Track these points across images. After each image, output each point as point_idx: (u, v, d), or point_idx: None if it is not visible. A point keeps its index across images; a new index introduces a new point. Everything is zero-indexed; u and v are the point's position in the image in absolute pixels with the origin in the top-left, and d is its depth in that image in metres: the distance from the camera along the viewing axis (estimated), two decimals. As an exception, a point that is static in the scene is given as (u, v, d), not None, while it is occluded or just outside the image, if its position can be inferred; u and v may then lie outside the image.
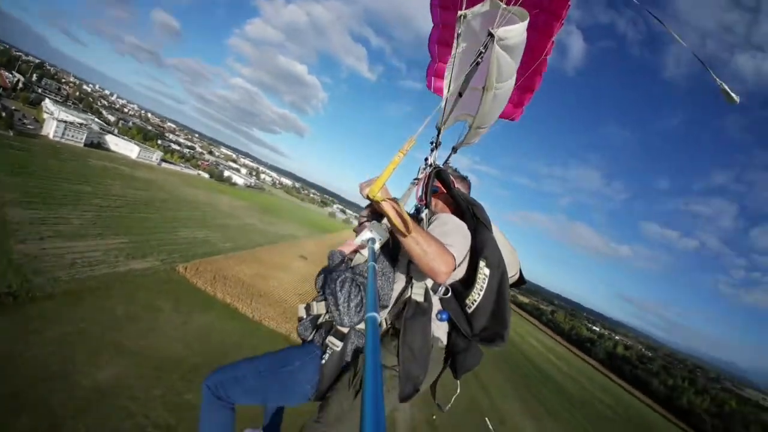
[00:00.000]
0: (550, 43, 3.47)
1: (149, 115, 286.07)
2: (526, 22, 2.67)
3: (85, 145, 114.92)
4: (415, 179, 3.04)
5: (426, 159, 3.15)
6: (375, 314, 1.19)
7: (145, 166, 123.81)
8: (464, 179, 3.39)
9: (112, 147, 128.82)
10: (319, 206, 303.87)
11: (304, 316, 2.76)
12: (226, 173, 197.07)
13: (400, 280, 2.67)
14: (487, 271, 2.45)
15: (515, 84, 3.08)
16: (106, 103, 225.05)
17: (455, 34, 2.98)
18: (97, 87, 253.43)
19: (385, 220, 2.73)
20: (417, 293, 2.53)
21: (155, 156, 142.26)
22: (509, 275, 2.63)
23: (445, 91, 3.17)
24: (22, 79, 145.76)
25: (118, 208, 68.06)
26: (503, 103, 3.21)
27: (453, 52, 3.06)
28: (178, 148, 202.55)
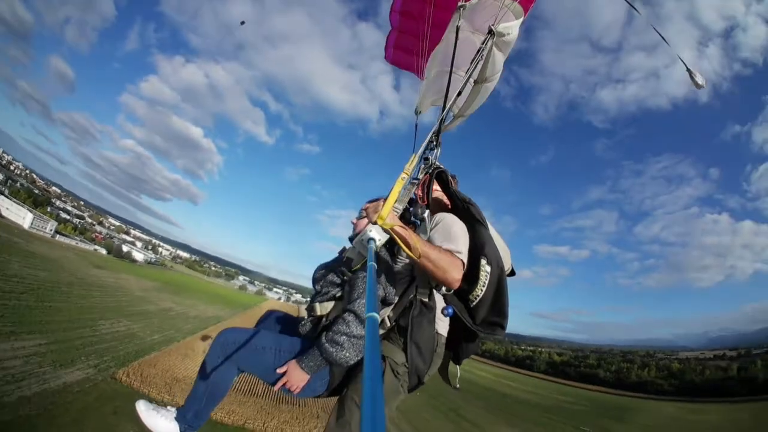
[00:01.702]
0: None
1: (34, 176, 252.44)
2: (522, 20, 2.94)
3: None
4: (414, 179, 3.06)
5: (426, 159, 3.25)
6: (375, 314, 1.18)
7: (39, 238, 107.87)
8: (454, 177, 3.36)
9: (3, 211, 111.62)
10: (226, 280, 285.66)
11: (306, 317, 2.82)
12: (125, 248, 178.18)
13: (403, 280, 2.81)
14: (488, 268, 2.60)
15: None
16: None
17: (454, 26, 3.15)
18: None
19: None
20: (422, 293, 2.68)
21: (49, 226, 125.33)
22: (505, 269, 2.78)
23: (426, 74, 3.60)
24: None
25: (22, 294, 55.17)
26: (489, 92, 3.40)
27: (444, 41, 3.30)
28: (67, 217, 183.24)
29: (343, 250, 3.12)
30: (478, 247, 2.69)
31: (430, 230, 2.80)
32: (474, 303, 2.65)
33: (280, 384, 2.63)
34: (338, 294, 2.81)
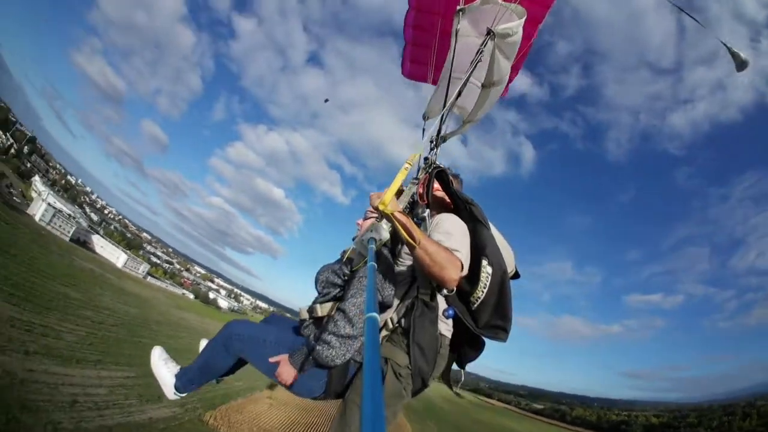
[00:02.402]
0: (536, 29, 3.75)
1: (127, 221, 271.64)
2: (523, 20, 2.95)
3: (71, 240, 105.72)
4: (414, 178, 3.10)
5: (426, 158, 3.25)
6: (374, 314, 1.17)
7: (131, 277, 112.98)
8: (457, 177, 3.36)
9: (98, 249, 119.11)
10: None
11: (307, 318, 2.80)
12: (211, 295, 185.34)
13: (404, 281, 2.77)
14: (489, 269, 2.57)
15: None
16: (88, 200, 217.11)
17: (455, 30, 3.24)
18: (80, 182, 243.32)
19: (384, 222, 2.66)
20: (423, 293, 2.62)
21: (142, 268, 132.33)
22: (508, 271, 2.76)
23: (446, 86, 3.39)
24: (15, 146, 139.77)
25: (113, 327, 57.53)
26: (498, 97, 3.49)
27: (451, 48, 3.25)
28: (158, 261, 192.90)
29: (345, 251, 3.02)
30: (480, 248, 2.66)
31: (430, 229, 2.75)
32: (475, 305, 2.61)
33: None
34: (339, 294, 2.75)
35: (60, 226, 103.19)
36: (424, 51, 4.10)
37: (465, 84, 3.24)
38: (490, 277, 2.56)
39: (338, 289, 2.78)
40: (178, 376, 3.09)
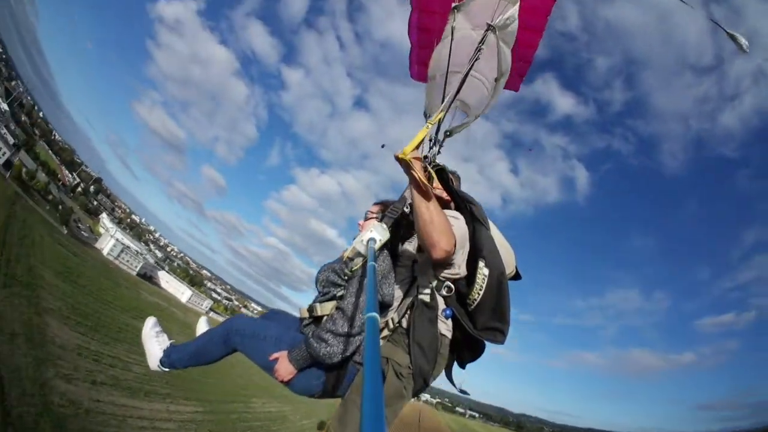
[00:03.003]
0: (546, 19, 3.70)
1: (188, 259, 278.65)
2: (517, 6, 3.03)
3: (138, 274, 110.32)
4: None
5: (425, 157, 3.21)
6: (374, 314, 1.18)
7: (195, 312, 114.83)
8: (453, 174, 3.29)
9: (163, 284, 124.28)
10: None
11: (307, 317, 2.84)
12: None
13: (405, 281, 2.80)
14: (486, 271, 2.55)
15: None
16: (152, 237, 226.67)
17: (449, 27, 3.33)
18: (143, 220, 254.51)
19: (384, 222, 2.72)
20: (424, 293, 2.64)
21: (205, 303, 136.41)
22: (507, 272, 2.73)
23: (444, 82, 3.51)
24: (82, 185, 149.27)
25: None
26: (502, 88, 3.59)
27: (449, 44, 3.34)
28: (218, 297, 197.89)
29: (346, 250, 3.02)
30: (477, 248, 2.65)
31: None
32: (472, 307, 2.61)
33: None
34: (339, 294, 2.77)
35: (127, 261, 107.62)
36: (429, 52, 4.00)
37: (465, 77, 3.21)
38: (486, 279, 2.54)
39: (338, 289, 2.78)
40: (166, 353, 3.14)
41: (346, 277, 2.75)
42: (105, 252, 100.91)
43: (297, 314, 3.13)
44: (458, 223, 2.72)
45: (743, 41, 2.96)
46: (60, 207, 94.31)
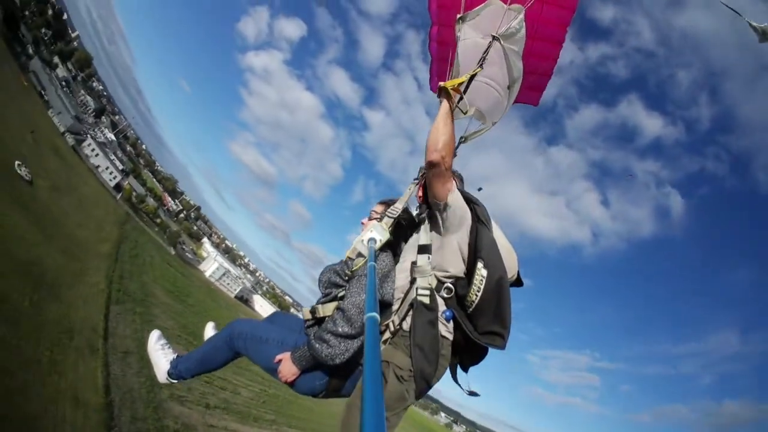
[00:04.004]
0: (564, 31, 3.66)
1: (274, 284, 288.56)
2: (522, 14, 3.05)
3: (236, 296, 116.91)
4: (415, 179, 3.18)
5: None
6: (375, 314, 1.18)
7: None
8: (456, 175, 3.27)
9: (257, 307, 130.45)
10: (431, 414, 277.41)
11: (310, 319, 2.83)
12: None
13: (404, 281, 2.78)
14: (484, 272, 2.51)
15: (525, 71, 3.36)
16: (242, 262, 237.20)
17: (455, 37, 3.34)
18: (235, 246, 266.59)
19: (384, 222, 2.79)
20: (422, 294, 2.60)
21: None
22: (508, 276, 2.68)
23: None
24: (184, 212, 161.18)
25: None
26: (515, 95, 3.52)
27: (456, 54, 3.32)
28: None
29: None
30: (477, 248, 2.62)
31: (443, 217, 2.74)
32: (470, 309, 2.56)
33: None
34: (340, 294, 2.77)
35: (228, 284, 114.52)
36: (445, 65, 3.88)
37: (469, 83, 3.19)
38: (484, 281, 2.50)
39: (340, 289, 2.79)
40: (173, 364, 3.16)
41: (346, 278, 2.73)
42: (207, 274, 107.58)
43: (301, 316, 3.08)
44: (457, 195, 2.67)
45: (763, 27, 2.86)
46: (167, 230, 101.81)
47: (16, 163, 31.34)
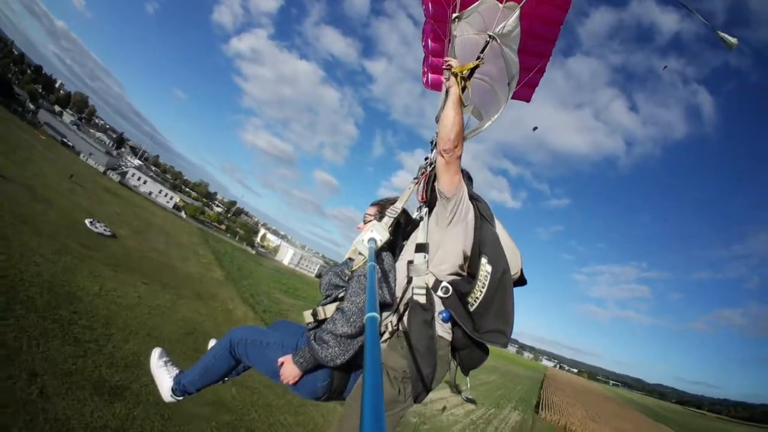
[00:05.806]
0: (558, 30, 3.62)
1: (322, 255, 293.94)
2: (517, 13, 3.02)
3: (316, 276, 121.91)
4: (415, 178, 3.09)
5: (426, 158, 3.20)
6: (375, 314, 1.18)
7: None
8: (466, 174, 3.15)
9: None
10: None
11: (312, 321, 2.77)
12: None
13: (401, 281, 2.70)
14: (489, 268, 2.45)
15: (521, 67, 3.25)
16: (292, 242, 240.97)
17: (449, 36, 3.27)
18: (274, 229, 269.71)
19: (384, 222, 2.74)
20: (418, 294, 2.51)
21: None
22: (511, 273, 2.62)
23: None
24: (222, 211, 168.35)
25: None
26: (513, 91, 3.38)
27: (452, 49, 3.22)
28: None
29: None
30: (480, 244, 2.55)
31: (449, 208, 2.62)
32: (474, 306, 2.47)
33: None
34: (341, 295, 2.73)
35: (306, 266, 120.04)
36: (439, 61, 4.01)
37: (468, 78, 3.04)
38: (489, 276, 2.43)
39: (340, 290, 2.75)
40: (176, 380, 3.08)
41: (346, 278, 2.71)
42: (286, 262, 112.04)
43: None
44: (464, 189, 2.63)
45: (732, 39, 2.98)
46: (237, 232, 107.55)
47: (87, 221, 27.99)
